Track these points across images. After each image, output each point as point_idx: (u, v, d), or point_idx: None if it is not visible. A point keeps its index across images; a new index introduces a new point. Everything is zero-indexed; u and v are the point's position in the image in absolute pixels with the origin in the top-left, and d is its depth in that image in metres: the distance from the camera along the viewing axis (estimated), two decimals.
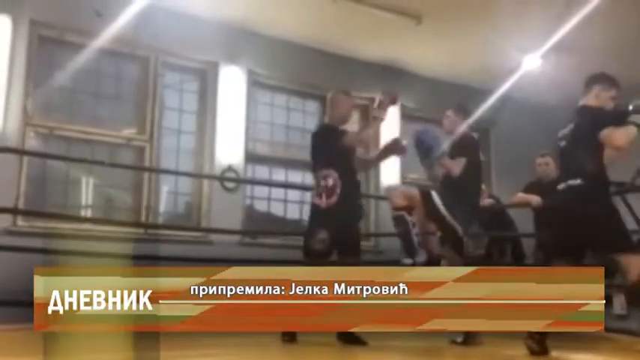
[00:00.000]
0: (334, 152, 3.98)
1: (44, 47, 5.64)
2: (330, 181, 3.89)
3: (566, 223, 3.47)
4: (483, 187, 6.75)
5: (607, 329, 5.21)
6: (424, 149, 4.17)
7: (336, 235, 3.83)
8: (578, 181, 3.43)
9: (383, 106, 4.12)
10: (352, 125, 4.42)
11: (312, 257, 3.85)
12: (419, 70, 7.73)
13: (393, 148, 4.37)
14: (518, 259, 6.08)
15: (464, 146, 4.19)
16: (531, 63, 6.95)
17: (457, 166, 4.02)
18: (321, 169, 4.02)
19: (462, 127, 4.31)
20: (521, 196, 5.54)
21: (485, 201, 6.29)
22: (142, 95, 6.17)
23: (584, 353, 4.03)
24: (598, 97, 3.78)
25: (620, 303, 6.52)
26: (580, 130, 3.55)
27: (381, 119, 4.12)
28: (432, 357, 3.93)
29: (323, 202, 3.87)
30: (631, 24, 6.18)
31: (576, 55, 6.85)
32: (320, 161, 4.06)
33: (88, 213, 5.95)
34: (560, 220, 3.55)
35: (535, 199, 5.29)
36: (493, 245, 6.27)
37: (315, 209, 3.98)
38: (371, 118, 4.17)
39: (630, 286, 3.44)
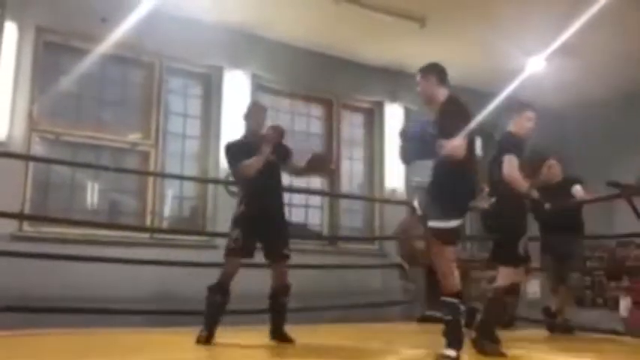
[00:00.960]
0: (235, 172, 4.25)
1: (50, 53, 5.67)
2: (241, 193, 4.23)
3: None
4: (485, 188, 6.75)
5: (613, 332, 5.23)
6: (418, 136, 3.72)
7: (247, 237, 4.03)
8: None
9: (268, 140, 4.12)
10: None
11: (230, 255, 4.07)
12: None
13: (317, 166, 4.57)
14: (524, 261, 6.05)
15: (452, 116, 3.53)
16: (535, 65, 6.94)
17: (459, 146, 3.41)
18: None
19: (442, 92, 3.72)
20: None
21: (490, 201, 6.27)
22: (147, 100, 6.19)
23: (591, 356, 4.01)
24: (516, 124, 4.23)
25: (626, 306, 6.51)
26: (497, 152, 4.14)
27: (266, 153, 4.06)
28: None
29: (235, 210, 4.16)
30: (636, 26, 6.17)
31: (581, 58, 6.85)
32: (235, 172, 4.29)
33: (93, 217, 5.96)
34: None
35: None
36: (497, 248, 6.25)
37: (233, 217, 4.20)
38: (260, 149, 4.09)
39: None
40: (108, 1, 5.63)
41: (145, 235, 5.85)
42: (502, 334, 3.66)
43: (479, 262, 7.08)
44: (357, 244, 7.44)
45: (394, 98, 7.75)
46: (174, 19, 6.00)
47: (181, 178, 6.35)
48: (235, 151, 4.17)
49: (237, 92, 6.58)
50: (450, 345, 3.29)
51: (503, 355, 3.66)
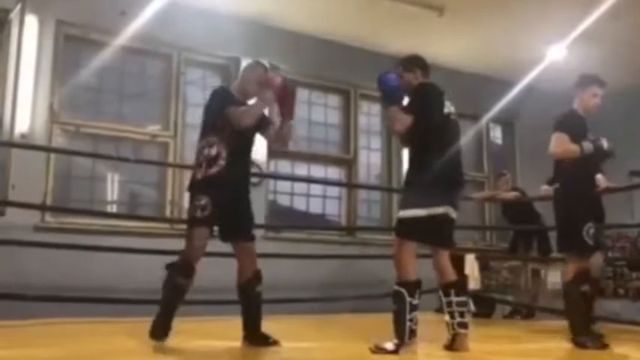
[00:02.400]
0: (222, 118, 3.44)
1: (70, 46, 5.73)
2: (214, 151, 3.41)
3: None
4: (508, 177, 6.69)
5: (636, 323, 5.17)
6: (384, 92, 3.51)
7: (218, 204, 3.38)
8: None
9: (273, 85, 3.47)
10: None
11: (196, 226, 3.45)
12: (441, 62, 7.64)
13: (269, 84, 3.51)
14: (545, 253, 6.02)
15: (416, 94, 3.48)
16: (556, 53, 6.85)
17: (403, 119, 3.36)
18: (206, 136, 3.53)
19: (415, 78, 3.59)
20: (545, 188, 5.47)
21: (511, 194, 6.24)
22: (166, 92, 6.23)
23: (613, 346, 3.97)
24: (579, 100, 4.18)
25: None
26: None
27: (269, 100, 3.48)
28: None
29: (201, 173, 3.42)
30: None
31: (603, 45, 6.74)
32: (206, 127, 3.56)
33: (114, 209, 6.03)
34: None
35: None
36: (519, 239, 6.22)
37: (193, 182, 3.52)
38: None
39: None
40: None
41: (165, 226, 5.91)
42: (523, 325, 3.63)
43: (498, 251, 7.05)
44: (376, 235, 7.43)
45: None
46: (192, 11, 6.02)
47: None
48: (226, 96, 3.55)
49: None
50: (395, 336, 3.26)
51: (606, 346, 3.65)
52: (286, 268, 5.98)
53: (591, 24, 5.98)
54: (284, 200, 6.95)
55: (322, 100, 7.32)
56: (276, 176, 6.85)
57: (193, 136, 6.36)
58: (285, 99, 3.52)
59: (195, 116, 6.41)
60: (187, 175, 6.25)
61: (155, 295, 5.12)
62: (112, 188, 5.99)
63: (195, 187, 3.45)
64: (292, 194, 6.97)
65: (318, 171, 7.12)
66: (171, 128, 6.15)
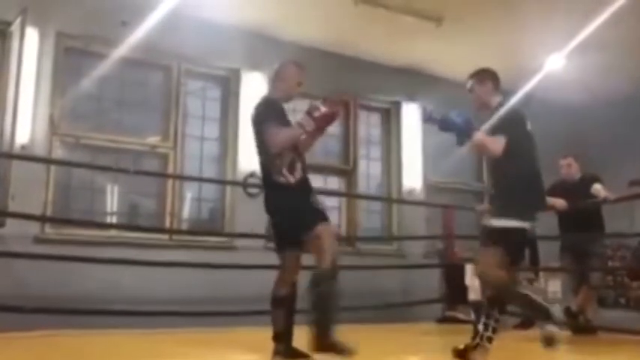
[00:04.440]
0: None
1: (70, 58, 5.75)
2: (287, 159, 3.40)
3: None
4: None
5: (637, 332, 5.15)
6: (454, 129, 3.55)
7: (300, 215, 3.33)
8: None
9: (325, 116, 3.49)
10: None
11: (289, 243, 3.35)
12: (440, 72, 7.69)
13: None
14: (535, 263, 6.03)
15: (502, 118, 3.50)
16: (555, 63, 6.87)
17: (497, 143, 3.39)
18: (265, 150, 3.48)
19: (493, 95, 3.65)
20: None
21: None
22: (166, 103, 6.25)
23: (614, 357, 3.96)
24: None
25: None
26: None
27: (310, 129, 3.45)
28: None
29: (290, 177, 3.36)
30: None
31: (601, 55, 6.77)
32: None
33: (113, 220, 6.03)
34: None
35: (560, 203, 5.23)
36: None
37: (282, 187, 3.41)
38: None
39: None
40: (127, 6, 5.70)
41: (165, 237, 5.90)
42: (523, 334, 3.61)
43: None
44: (376, 245, 7.43)
45: (411, 98, 7.73)
46: (192, 22, 6.05)
47: (200, 180, 6.39)
48: (274, 109, 3.50)
49: (255, 94, 6.57)
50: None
51: None
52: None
53: (589, 34, 6.01)
54: None
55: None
56: None
57: (193, 148, 6.40)
58: (327, 124, 3.56)
59: (195, 127, 6.44)
60: (187, 186, 6.34)
61: (155, 306, 5.14)
62: (112, 199, 5.98)
63: (276, 204, 3.45)
64: None
65: (317, 181, 7.12)
66: (171, 139, 6.16)
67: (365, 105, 7.55)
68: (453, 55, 7.19)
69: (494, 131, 3.43)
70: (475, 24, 6.38)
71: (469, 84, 3.73)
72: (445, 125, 3.58)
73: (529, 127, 3.57)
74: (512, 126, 3.45)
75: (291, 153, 3.40)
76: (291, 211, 3.34)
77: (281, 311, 3.37)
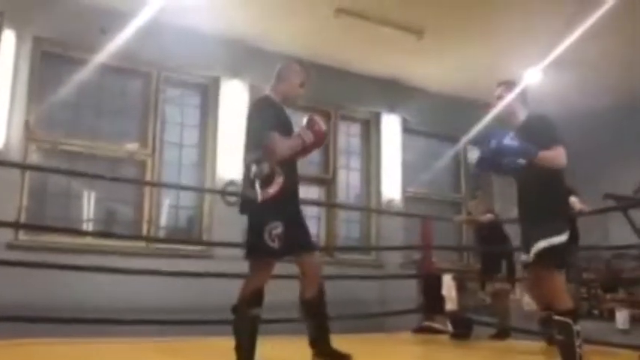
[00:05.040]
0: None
1: (48, 63, 5.68)
2: (266, 168, 3.18)
3: None
4: (482, 199, 6.77)
5: (610, 344, 5.23)
6: (509, 155, 3.18)
7: (287, 226, 3.16)
8: None
9: (317, 131, 3.38)
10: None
11: (270, 257, 3.18)
12: (420, 84, 7.77)
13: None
14: (511, 274, 6.09)
15: (549, 127, 3.32)
16: (532, 77, 6.98)
17: (561, 154, 3.20)
18: (253, 151, 3.32)
19: (521, 108, 3.48)
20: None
21: (487, 216, 6.31)
22: (144, 110, 6.20)
23: None
24: None
25: (622, 318, 6.51)
26: None
27: (308, 142, 3.33)
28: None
29: (259, 194, 3.13)
30: (629, 38, 6.22)
31: (575, 70, 6.90)
32: (251, 143, 3.36)
33: (89, 227, 5.95)
34: None
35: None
36: (489, 259, 6.28)
37: (253, 204, 3.22)
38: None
39: None
40: (106, 12, 5.66)
41: (142, 245, 5.84)
42: (498, 345, 3.64)
43: (475, 272, 7.08)
44: (354, 255, 7.44)
45: (392, 109, 7.79)
46: (172, 30, 6.02)
47: (178, 187, 6.35)
48: (271, 112, 3.31)
49: (234, 102, 6.60)
50: None
51: None
52: (265, 288, 5.93)
53: (565, 49, 6.12)
54: None
55: (302, 119, 7.32)
56: None
57: (171, 155, 6.36)
58: (322, 141, 3.48)
59: (173, 134, 6.40)
60: (165, 194, 6.29)
61: (130, 315, 5.07)
62: (88, 206, 5.91)
63: (261, 210, 3.13)
64: None
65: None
66: (149, 146, 6.11)
67: (345, 115, 7.59)
68: (433, 68, 7.28)
69: (546, 143, 3.19)
70: (455, 38, 6.46)
71: (499, 91, 3.54)
72: (503, 154, 3.17)
73: None
74: (561, 135, 3.28)
75: (275, 162, 3.18)
76: (254, 226, 3.20)
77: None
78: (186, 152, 6.48)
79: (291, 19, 6.13)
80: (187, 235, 6.39)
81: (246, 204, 3.24)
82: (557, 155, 3.20)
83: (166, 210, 6.32)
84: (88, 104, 5.96)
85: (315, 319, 3.29)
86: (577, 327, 3.14)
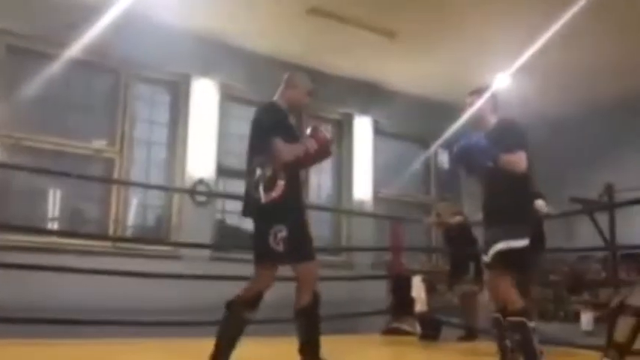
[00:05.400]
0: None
1: (13, 57, 5.54)
2: (269, 172, 3.19)
3: None
4: (451, 202, 6.84)
5: (575, 345, 5.32)
6: (476, 154, 3.34)
7: (292, 230, 3.15)
8: None
9: (321, 139, 3.41)
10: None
11: (275, 260, 3.16)
12: (392, 86, 7.80)
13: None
14: (479, 275, 6.15)
15: (514, 133, 3.43)
16: (501, 81, 7.07)
17: (522, 159, 3.30)
18: (257, 155, 3.33)
19: (493, 113, 3.59)
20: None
21: (456, 218, 6.37)
22: (113, 107, 6.10)
23: None
24: None
25: (587, 319, 6.63)
26: None
27: (311, 149, 3.35)
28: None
29: (262, 197, 3.14)
30: (594, 45, 6.36)
31: (543, 76, 7.02)
32: (256, 146, 3.37)
33: (54, 225, 5.82)
34: None
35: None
36: (458, 262, 6.34)
37: (259, 207, 3.20)
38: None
39: None
40: (75, 6, 5.54)
41: (108, 244, 5.74)
42: (466, 346, 3.66)
43: (444, 274, 7.14)
44: (325, 256, 7.42)
45: (364, 111, 7.81)
46: (143, 26, 5.93)
47: (146, 186, 6.25)
48: (278, 118, 3.34)
49: (204, 100, 6.54)
50: None
51: None
52: (235, 290, 5.87)
53: (533, 54, 6.22)
54: (233, 220, 6.86)
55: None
56: (226, 195, 6.76)
57: (140, 153, 6.26)
58: (324, 151, 3.48)
59: (142, 132, 6.30)
60: (133, 192, 6.19)
61: (95, 316, 4.97)
62: (54, 204, 5.78)
63: (266, 214, 3.14)
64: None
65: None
66: (117, 144, 6.01)
67: (316, 116, 7.57)
68: (405, 70, 7.32)
69: (509, 147, 3.30)
70: (426, 41, 6.51)
71: (469, 99, 3.66)
72: (471, 153, 3.35)
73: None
74: (525, 141, 3.39)
75: (278, 166, 3.18)
76: (259, 230, 3.18)
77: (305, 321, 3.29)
78: (155, 150, 6.39)
79: (263, 18, 6.10)
80: (155, 235, 6.30)
81: (249, 207, 3.25)
82: (518, 160, 3.30)
83: (134, 209, 6.22)
84: (55, 100, 5.83)
85: (307, 328, 3.28)
86: (532, 324, 3.22)
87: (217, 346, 3.07)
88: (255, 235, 3.20)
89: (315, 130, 3.45)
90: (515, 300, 3.28)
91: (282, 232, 3.08)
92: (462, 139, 3.40)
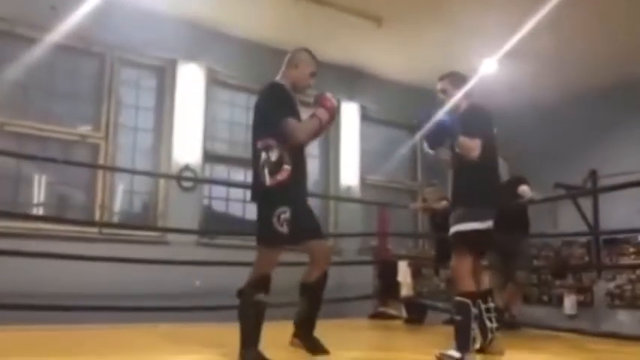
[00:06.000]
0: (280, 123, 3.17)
1: None
2: (274, 155, 3.11)
3: None
4: (437, 187, 6.88)
5: (558, 329, 5.41)
6: (440, 129, 3.46)
7: (295, 212, 3.12)
8: None
9: (330, 107, 3.38)
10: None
11: (278, 242, 3.10)
12: (379, 72, 7.80)
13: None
14: None
15: (477, 119, 3.54)
16: (488, 67, 7.09)
17: (476, 146, 3.40)
18: (262, 138, 3.17)
19: (464, 100, 3.65)
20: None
21: (441, 203, 6.40)
22: (98, 92, 6.04)
23: (536, 352, 4.13)
24: None
25: (570, 303, 6.73)
26: None
27: (325, 121, 3.34)
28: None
29: (267, 180, 3.07)
30: (581, 31, 6.38)
31: (530, 61, 7.04)
32: (261, 128, 3.22)
33: (39, 211, 5.78)
34: None
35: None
36: (444, 246, 6.39)
37: (263, 190, 3.12)
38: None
39: None
40: None
41: (94, 230, 5.71)
42: (451, 330, 3.70)
43: (430, 259, 7.20)
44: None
45: (351, 97, 7.80)
46: (128, 9, 5.87)
47: (132, 172, 6.21)
48: (285, 97, 3.28)
49: (191, 85, 6.50)
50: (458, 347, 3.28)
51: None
52: (221, 275, 5.88)
53: (520, 40, 6.23)
54: (219, 206, 6.85)
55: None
56: (212, 181, 6.75)
57: (125, 138, 6.22)
58: (333, 118, 3.43)
59: (128, 118, 6.25)
60: (119, 178, 6.15)
61: (81, 302, 4.96)
62: (39, 190, 5.73)
63: (269, 197, 3.08)
64: (228, 199, 6.88)
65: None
66: (103, 129, 5.96)
67: (303, 101, 7.48)
68: (392, 56, 7.31)
69: (468, 133, 3.41)
70: (413, 27, 6.50)
71: (440, 85, 3.72)
72: (438, 124, 3.47)
73: (495, 129, 3.64)
74: (484, 128, 3.50)
75: (284, 150, 3.11)
76: (263, 213, 3.14)
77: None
78: (141, 136, 6.35)
79: (249, 3, 6.05)
80: (141, 221, 6.27)
81: (257, 191, 3.19)
82: (472, 146, 3.40)
83: (120, 195, 6.19)
84: (38, 85, 5.76)
85: (309, 303, 3.33)
86: (475, 310, 3.33)
87: (242, 333, 3.07)
88: (259, 218, 3.17)
89: (322, 97, 3.38)
90: (467, 282, 3.39)
91: (286, 214, 3.04)
92: (421, 115, 3.53)
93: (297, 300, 3.42)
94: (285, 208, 3.05)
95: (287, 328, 3.41)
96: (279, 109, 3.17)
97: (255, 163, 3.17)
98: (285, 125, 3.11)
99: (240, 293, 3.10)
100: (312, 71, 3.46)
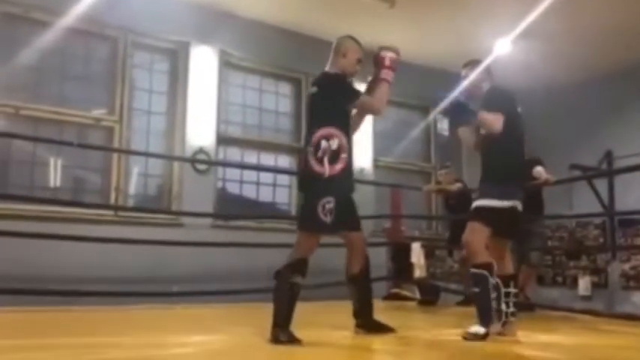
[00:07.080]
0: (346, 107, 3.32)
1: (9, 25, 5.49)
2: (335, 144, 3.16)
3: None
4: (451, 169, 6.85)
5: (572, 310, 5.40)
6: (462, 108, 3.58)
7: (339, 202, 3.19)
8: None
9: (393, 63, 3.44)
10: None
11: (321, 231, 3.18)
12: None
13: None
14: None
15: (497, 96, 3.59)
16: (502, 48, 7.00)
17: (498, 120, 3.43)
18: (322, 126, 3.22)
19: (486, 81, 3.71)
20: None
21: (455, 185, 6.39)
22: (112, 75, 6.06)
23: (550, 333, 4.13)
24: None
25: (585, 284, 6.70)
26: None
27: (390, 80, 3.40)
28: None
29: (325, 169, 3.13)
30: (596, 12, 6.28)
31: (544, 41, 6.95)
32: (322, 115, 3.28)
33: (56, 195, 5.84)
34: None
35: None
36: (457, 228, 6.39)
37: (316, 180, 3.18)
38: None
39: None
40: None
41: (110, 213, 5.77)
42: (464, 311, 3.72)
43: (444, 241, 7.20)
44: None
45: (363, 78, 7.73)
46: None
47: (147, 155, 6.25)
48: (350, 82, 3.43)
49: (204, 68, 6.50)
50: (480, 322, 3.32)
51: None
52: (235, 257, 5.94)
53: (534, 20, 6.14)
54: (233, 188, 6.89)
55: (273, 87, 7.27)
56: (226, 164, 6.78)
57: (139, 121, 6.25)
58: (396, 70, 3.48)
59: (141, 101, 6.28)
60: (134, 161, 6.19)
61: (98, 284, 5.03)
62: (55, 174, 5.79)
63: (319, 187, 3.16)
64: (242, 182, 6.91)
65: (268, 159, 7.09)
66: (117, 113, 5.99)
67: None
68: (404, 37, 7.21)
69: (489, 108, 3.48)
70: (426, 7, 6.43)
71: (464, 72, 3.79)
72: (456, 104, 3.63)
73: (519, 108, 3.65)
74: (506, 105, 3.52)
75: (344, 137, 3.20)
76: (309, 200, 3.21)
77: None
78: (155, 119, 6.37)
79: None
80: (156, 204, 6.32)
81: (307, 181, 3.27)
82: (493, 120, 3.44)
83: (135, 178, 6.24)
84: (52, 69, 5.79)
85: (360, 293, 3.45)
86: (493, 280, 3.35)
87: (275, 313, 3.14)
88: (304, 205, 3.28)
89: (380, 57, 3.46)
90: (480, 255, 3.42)
91: (330, 204, 3.13)
92: (439, 95, 3.69)
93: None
94: (330, 198, 3.13)
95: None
96: (347, 95, 3.30)
97: (306, 153, 3.24)
98: (363, 103, 3.31)
99: (278, 274, 3.18)
100: (359, 58, 3.50)
